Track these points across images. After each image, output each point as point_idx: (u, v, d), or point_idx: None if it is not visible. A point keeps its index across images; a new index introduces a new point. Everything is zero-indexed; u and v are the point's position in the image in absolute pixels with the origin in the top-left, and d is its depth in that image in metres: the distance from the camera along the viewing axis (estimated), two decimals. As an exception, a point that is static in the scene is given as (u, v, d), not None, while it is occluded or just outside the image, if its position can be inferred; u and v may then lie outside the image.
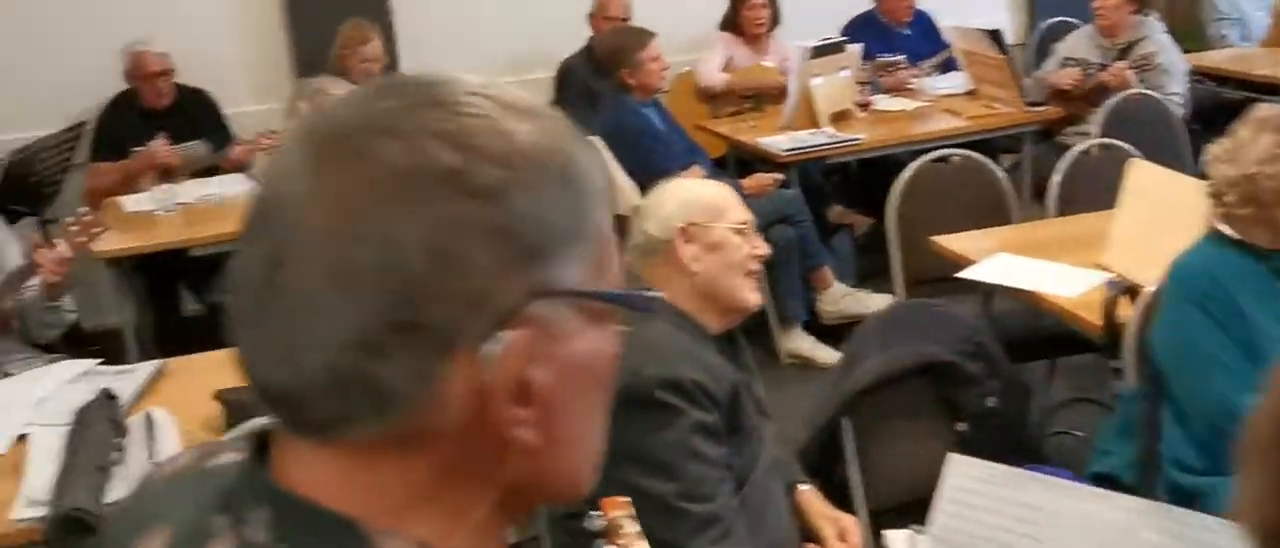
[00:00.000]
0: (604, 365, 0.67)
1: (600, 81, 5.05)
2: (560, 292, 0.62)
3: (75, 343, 3.32)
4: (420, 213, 0.59)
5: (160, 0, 4.84)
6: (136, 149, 4.40)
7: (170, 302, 4.53)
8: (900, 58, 5.05)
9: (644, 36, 4.13)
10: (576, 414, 0.66)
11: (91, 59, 4.58)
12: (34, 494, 2.08)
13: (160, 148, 4.32)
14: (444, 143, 0.60)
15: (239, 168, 4.48)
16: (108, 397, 2.37)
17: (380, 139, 0.60)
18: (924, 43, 5.34)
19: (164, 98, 4.51)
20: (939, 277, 3.26)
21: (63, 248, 2.89)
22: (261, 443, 0.66)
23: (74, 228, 2.98)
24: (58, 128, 4.41)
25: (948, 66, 5.21)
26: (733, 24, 5.08)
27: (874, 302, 4.24)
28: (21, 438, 2.33)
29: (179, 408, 2.38)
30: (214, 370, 2.68)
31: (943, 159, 3.67)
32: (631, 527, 1.16)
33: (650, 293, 0.70)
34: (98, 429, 2.23)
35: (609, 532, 1.16)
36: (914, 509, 2.46)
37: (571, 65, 5.21)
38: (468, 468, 0.63)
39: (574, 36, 5.18)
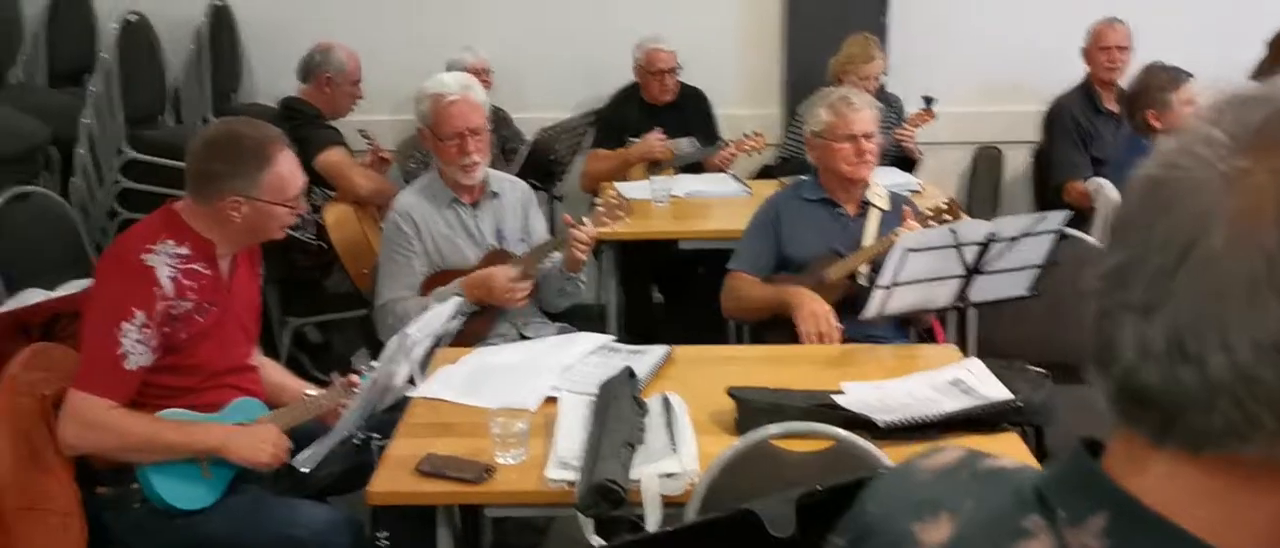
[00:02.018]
0: None
1: (1096, 119, 4.74)
2: None
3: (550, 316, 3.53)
4: None
5: (671, 3, 5.10)
6: (633, 139, 4.65)
7: (642, 290, 4.74)
8: None
9: (1180, 77, 3.78)
10: None
11: (606, 52, 4.90)
12: (565, 458, 2.19)
13: (655, 141, 4.53)
14: None
15: (721, 168, 4.61)
16: (629, 375, 2.46)
17: None
18: None
19: (667, 93, 4.73)
20: None
21: (591, 227, 3.08)
22: (1089, 446, 0.63)
23: (602, 210, 3.15)
24: (574, 112, 4.75)
25: None
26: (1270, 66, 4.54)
27: None
28: (548, 400, 2.48)
29: (688, 396, 2.43)
30: (718, 364, 2.74)
31: None
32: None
33: None
34: (623, 405, 2.31)
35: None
36: None
37: (1065, 103, 4.88)
38: None
39: (1066, 70, 4.87)
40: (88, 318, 2.31)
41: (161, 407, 2.34)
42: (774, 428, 2.11)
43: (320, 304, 4.24)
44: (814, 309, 2.92)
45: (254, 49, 5.27)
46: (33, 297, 2.83)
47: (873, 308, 2.78)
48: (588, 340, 2.80)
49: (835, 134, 3.05)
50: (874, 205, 3.14)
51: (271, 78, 5.04)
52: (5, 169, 3.93)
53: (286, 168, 2.39)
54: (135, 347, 2.24)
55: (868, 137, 3.06)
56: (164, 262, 2.30)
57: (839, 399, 2.35)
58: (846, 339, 2.91)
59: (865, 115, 3.07)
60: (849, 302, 2.99)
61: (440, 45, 4.75)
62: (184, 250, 2.34)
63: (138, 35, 4.75)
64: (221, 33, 5.09)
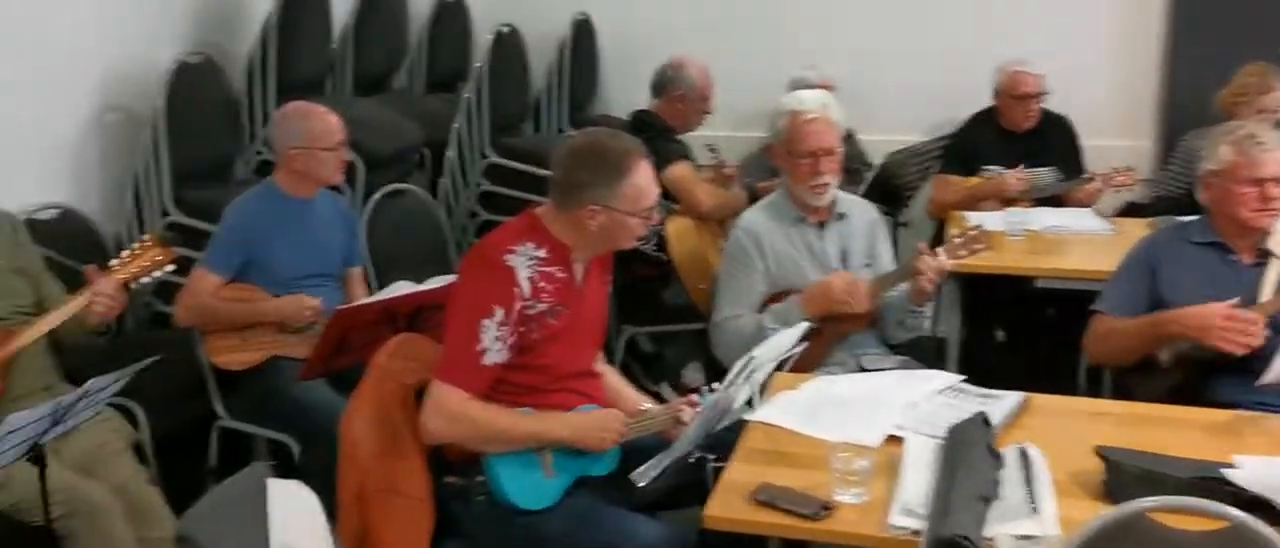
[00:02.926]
0: None
1: None
2: None
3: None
4: None
5: (1037, 25, 4.80)
6: (986, 169, 4.39)
7: (985, 328, 4.48)
8: None
9: None
10: None
11: (961, 74, 4.67)
12: (910, 504, 2.05)
13: (1012, 179, 4.26)
14: None
15: (1084, 204, 4.27)
16: (984, 422, 2.28)
17: None
18: None
19: (1029, 120, 4.44)
20: None
21: (944, 260, 2.92)
22: None
23: (958, 242, 2.98)
24: (922, 136, 4.57)
25: None
26: None
27: None
28: (891, 439, 2.34)
29: (1046, 451, 2.22)
30: (1081, 418, 2.50)
31: None
32: None
33: None
34: (975, 454, 2.14)
35: None
36: None
37: None
38: None
39: None
40: (450, 312, 2.41)
41: (510, 405, 2.41)
42: (1155, 500, 1.87)
43: (656, 315, 4.29)
44: (1221, 313, 2.59)
45: (610, 62, 5.45)
46: (402, 288, 3.01)
47: (1274, 373, 2.44)
48: (935, 378, 2.64)
49: (1238, 176, 2.72)
50: (1275, 255, 2.77)
51: (624, 90, 5.19)
52: (383, 167, 4.26)
53: (643, 179, 2.40)
54: (494, 343, 2.32)
55: (1277, 181, 2.70)
56: (524, 263, 2.37)
57: (1230, 474, 2.06)
58: (1230, 405, 2.58)
59: (1277, 157, 2.72)
60: (1237, 363, 2.65)
61: (786, 62, 4.70)
62: (542, 253, 2.40)
63: (508, 46, 5.04)
64: (582, 45, 5.29)
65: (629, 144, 2.43)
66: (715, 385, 2.43)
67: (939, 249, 2.96)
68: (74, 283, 2.86)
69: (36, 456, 2.42)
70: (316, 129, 3.27)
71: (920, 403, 2.49)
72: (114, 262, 2.88)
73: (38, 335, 2.76)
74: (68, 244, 3.26)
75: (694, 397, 2.49)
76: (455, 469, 2.43)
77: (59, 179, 3.61)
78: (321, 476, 2.47)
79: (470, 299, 2.37)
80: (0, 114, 3.35)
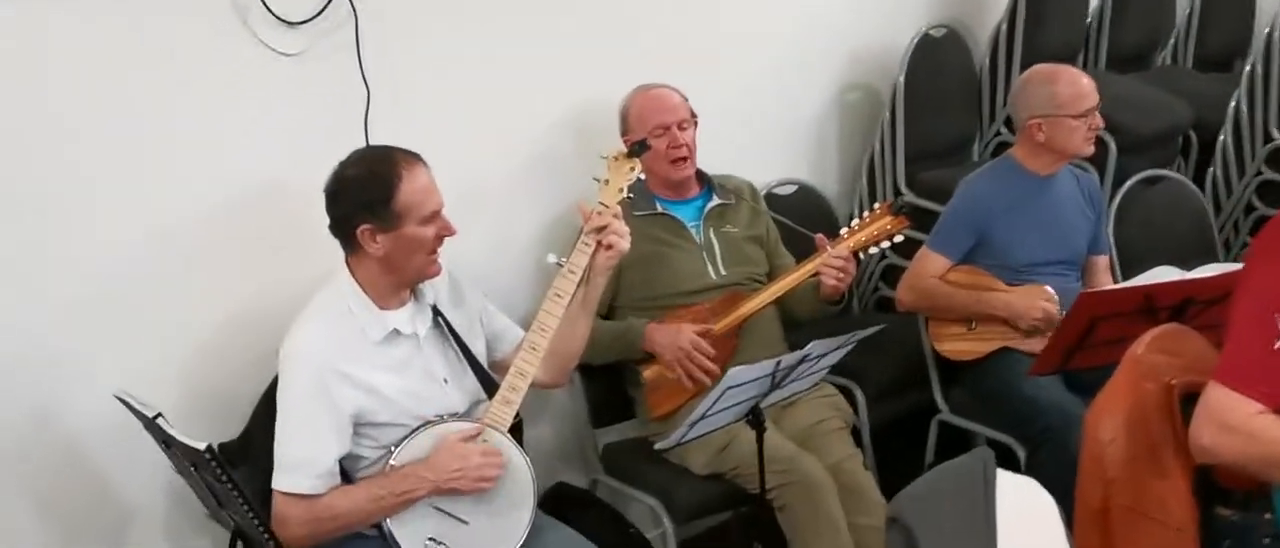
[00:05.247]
0: None
1: None
2: None
3: None
4: None
5: None
6: None
7: None
8: None
9: None
10: None
11: None
12: None
13: None
14: None
15: None
16: None
17: None
18: None
19: None
20: None
21: None
22: None
23: None
24: None
25: None
26: None
27: None
28: None
29: None
30: None
31: None
32: None
33: None
34: None
35: None
36: None
37: None
38: None
39: None
40: (1237, 303, 1.87)
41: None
42: None
43: None
44: None
45: None
46: (1165, 274, 2.52)
47: None
48: None
49: None
50: None
51: None
52: (1140, 150, 3.73)
53: None
54: (1296, 341, 1.76)
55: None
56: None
57: None
58: None
59: None
60: None
61: None
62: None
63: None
64: None
65: None
66: None
67: None
68: (806, 256, 2.81)
69: (756, 420, 2.37)
70: (1065, 94, 2.89)
71: None
72: (844, 230, 2.79)
73: (768, 300, 2.77)
74: (802, 219, 3.24)
75: None
76: (1232, 500, 1.90)
77: (800, 156, 3.64)
78: (1050, 487, 2.11)
79: (1264, 286, 1.82)
80: (758, 95, 3.45)
